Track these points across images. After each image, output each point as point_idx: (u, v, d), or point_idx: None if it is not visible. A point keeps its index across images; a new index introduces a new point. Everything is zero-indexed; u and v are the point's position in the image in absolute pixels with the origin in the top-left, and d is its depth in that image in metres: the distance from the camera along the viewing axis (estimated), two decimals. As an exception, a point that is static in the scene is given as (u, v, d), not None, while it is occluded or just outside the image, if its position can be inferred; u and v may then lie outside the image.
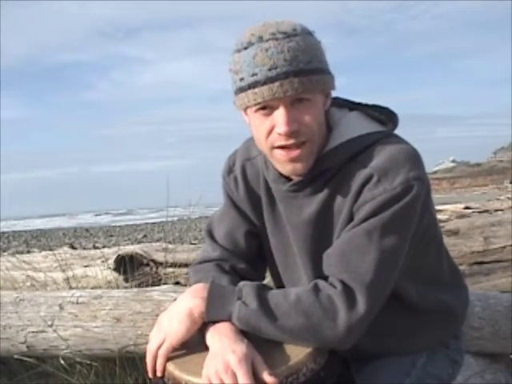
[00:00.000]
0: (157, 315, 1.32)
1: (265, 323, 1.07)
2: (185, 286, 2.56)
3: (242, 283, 1.14)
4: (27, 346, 2.05)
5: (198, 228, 18.91)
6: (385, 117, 1.22)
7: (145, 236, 18.04)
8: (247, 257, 1.32)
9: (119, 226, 29.09)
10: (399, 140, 1.18)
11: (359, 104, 1.24)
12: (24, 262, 3.22)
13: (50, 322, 2.01)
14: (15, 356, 2.08)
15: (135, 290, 2.12)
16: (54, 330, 2.00)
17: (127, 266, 3.00)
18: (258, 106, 1.11)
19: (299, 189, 1.20)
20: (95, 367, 2.11)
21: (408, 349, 1.25)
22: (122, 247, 3.31)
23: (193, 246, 3.66)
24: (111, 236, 20.22)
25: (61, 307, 2.04)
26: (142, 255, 3.09)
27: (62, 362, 2.07)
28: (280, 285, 1.33)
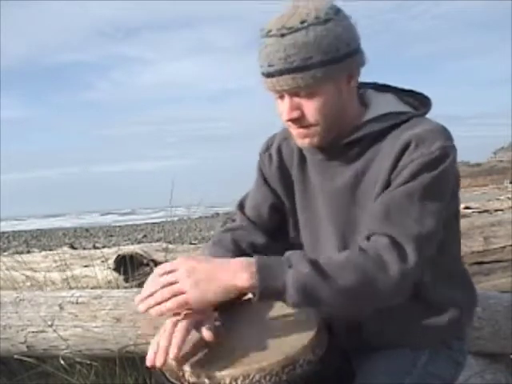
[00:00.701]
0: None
1: (321, 284, 1.05)
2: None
3: (287, 253, 1.11)
4: (27, 346, 2.06)
5: (198, 228, 18.92)
6: (418, 102, 1.27)
7: (145, 236, 18.02)
8: (271, 229, 1.37)
9: (119, 226, 29.07)
10: (432, 120, 1.22)
11: (395, 88, 1.30)
12: (24, 262, 3.22)
13: (49, 322, 2.01)
14: (15, 356, 2.08)
15: (135, 290, 2.12)
16: (54, 330, 2.00)
17: (127, 266, 2.99)
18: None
19: (334, 157, 1.24)
20: (95, 367, 2.11)
21: (409, 341, 1.25)
22: (122, 247, 3.31)
23: (193, 246, 3.66)
24: (111, 236, 20.21)
25: (61, 307, 2.04)
26: (142, 255, 3.09)
27: (62, 362, 2.07)
28: None
